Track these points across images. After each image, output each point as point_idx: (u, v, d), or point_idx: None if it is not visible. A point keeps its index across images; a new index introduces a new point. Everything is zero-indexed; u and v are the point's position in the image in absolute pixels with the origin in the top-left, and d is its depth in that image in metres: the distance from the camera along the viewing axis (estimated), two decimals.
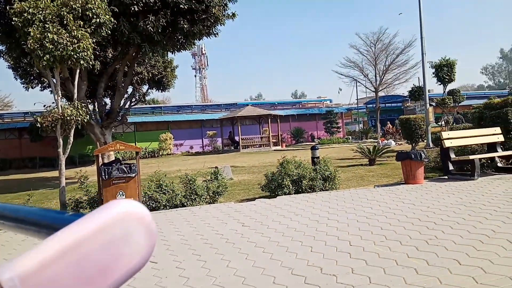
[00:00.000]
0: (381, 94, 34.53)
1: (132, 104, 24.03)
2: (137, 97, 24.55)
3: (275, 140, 27.53)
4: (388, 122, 32.49)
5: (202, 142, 32.06)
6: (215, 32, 16.02)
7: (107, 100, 21.95)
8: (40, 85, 22.24)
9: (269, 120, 27.66)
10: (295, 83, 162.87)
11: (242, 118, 27.57)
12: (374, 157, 12.46)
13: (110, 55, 18.43)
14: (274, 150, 25.15)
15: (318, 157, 9.19)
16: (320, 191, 7.65)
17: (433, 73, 21.34)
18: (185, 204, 7.23)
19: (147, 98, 28.58)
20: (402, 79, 33.11)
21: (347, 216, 5.52)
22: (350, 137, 32.41)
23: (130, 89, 22.12)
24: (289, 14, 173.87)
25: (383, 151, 12.84)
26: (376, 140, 23.30)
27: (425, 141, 16.40)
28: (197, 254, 4.32)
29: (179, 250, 4.53)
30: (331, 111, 34.02)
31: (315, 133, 34.62)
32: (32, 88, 22.04)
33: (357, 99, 36.82)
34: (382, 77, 32.73)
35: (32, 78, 21.21)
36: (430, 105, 17.47)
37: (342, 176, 8.84)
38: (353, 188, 8.03)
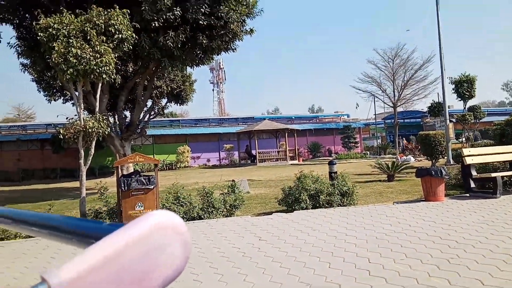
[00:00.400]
0: (399, 109, 34.20)
1: (151, 117, 24.42)
2: (156, 110, 24.96)
3: (292, 155, 27.46)
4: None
5: (219, 155, 32.21)
6: (233, 47, 16.25)
7: (127, 113, 22.38)
8: (62, 98, 22.85)
9: (286, 134, 27.65)
10: (312, 98, 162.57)
11: (259, 132, 27.65)
12: (393, 173, 12.28)
13: (130, 69, 18.86)
14: (291, 164, 25.06)
15: (336, 172, 9.13)
16: (338, 206, 7.57)
17: (453, 89, 21.08)
18: (202, 216, 7.25)
19: (165, 111, 29.04)
20: (421, 95, 32.76)
21: (366, 232, 5.44)
22: (368, 152, 32.07)
23: (149, 103, 22.52)
24: (307, 28, 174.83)
25: (402, 167, 12.65)
26: (395, 156, 22.99)
27: (445, 157, 16.12)
28: (214, 267, 4.32)
29: (196, 262, 4.53)
30: (349, 126, 33.81)
31: (333, 148, 34.40)
32: (54, 100, 22.67)
33: (375, 114, 36.55)
34: (400, 92, 32.46)
35: (55, 91, 21.83)
36: (450, 121, 17.23)
37: (360, 191, 8.73)
38: (371, 204, 7.92)
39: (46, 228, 0.54)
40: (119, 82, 17.74)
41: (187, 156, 29.75)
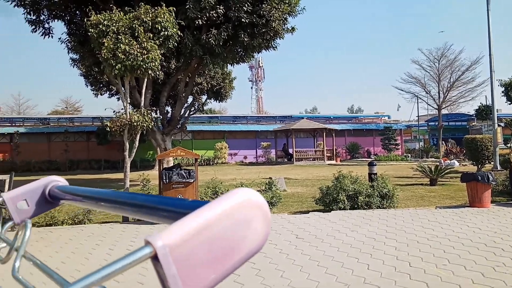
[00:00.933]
0: (444, 111, 32.95)
1: (191, 113, 24.98)
2: (196, 106, 25.46)
3: (329, 154, 27.13)
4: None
5: (256, 153, 32.37)
6: (274, 46, 16.29)
7: (168, 108, 22.98)
8: (108, 92, 23.81)
9: (324, 134, 27.34)
10: (351, 98, 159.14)
11: (296, 131, 27.53)
12: (435, 177, 11.87)
13: (173, 66, 19.33)
14: (328, 164, 24.78)
15: (376, 173, 8.96)
16: (377, 208, 7.42)
17: (503, 92, 20.08)
18: None
19: (205, 107, 29.57)
20: (467, 97, 31.40)
21: (407, 236, 5.32)
22: (410, 155, 31.13)
23: (190, 99, 23.02)
24: (348, 27, 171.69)
25: (446, 171, 12.19)
26: (438, 160, 22.20)
27: (492, 163, 15.40)
28: (251, 262, 4.37)
29: None
30: (390, 127, 32.96)
31: (372, 149, 33.68)
32: (101, 95, 23.66)
33: (418, 116, 35.40)
34: (446, 94, 31.26)
35: (101, 85, 22.79)
36: (499, 125, 16.43)
37: (400, 194, 8.52)
38: (412, 208, 7.71)
39: (130, 205, 0.58)
40: (162, 78, 18.31)
41: (225, 153, 30.12)
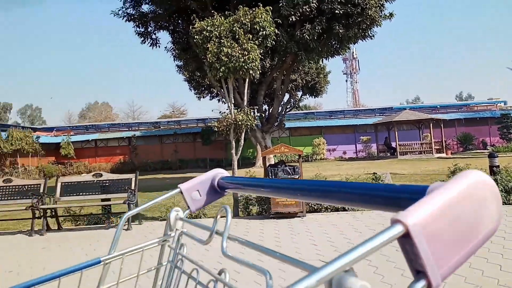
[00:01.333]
0: None
1: (287, 110, 25.23)
2: (292, 103, 25.64)
3: (438, 147, 25.17)
4: None
5: (356, 148, 31.45)
6: (370, 35, 15.62)
7: (265, 107, 23.53)
8: (209, 95, 25.22)
9: (431, 125, 25.44)
10: (459, 84, 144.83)
11: (399, 123, 26.03)
12: None
13: (267, 64, 19.70)
14: (437, 157, 23.01)
15: (498, 165, 8.06)
16: (504, 205, 6.67)
17: None
18: (346, 208, 7.20)
19: (300, 104, 29.61)
20: None
21: None
22: None
23: (285, 96, 23.26)
24: (453, 5, 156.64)
25: None
26: None
27: None
28: (368, 259, 4.24)
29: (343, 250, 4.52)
30: (508, 115, 29.38)
31: (488, 140, 30.41)
32: (203, 97, 25.18)
33: None
34: None
35: (203, 89, 24.24)
36: None
37: None
38: None
39: (352, 194, 0.61)
40: (257, 78, 18.82)
41: (323, 148, 29.84)
